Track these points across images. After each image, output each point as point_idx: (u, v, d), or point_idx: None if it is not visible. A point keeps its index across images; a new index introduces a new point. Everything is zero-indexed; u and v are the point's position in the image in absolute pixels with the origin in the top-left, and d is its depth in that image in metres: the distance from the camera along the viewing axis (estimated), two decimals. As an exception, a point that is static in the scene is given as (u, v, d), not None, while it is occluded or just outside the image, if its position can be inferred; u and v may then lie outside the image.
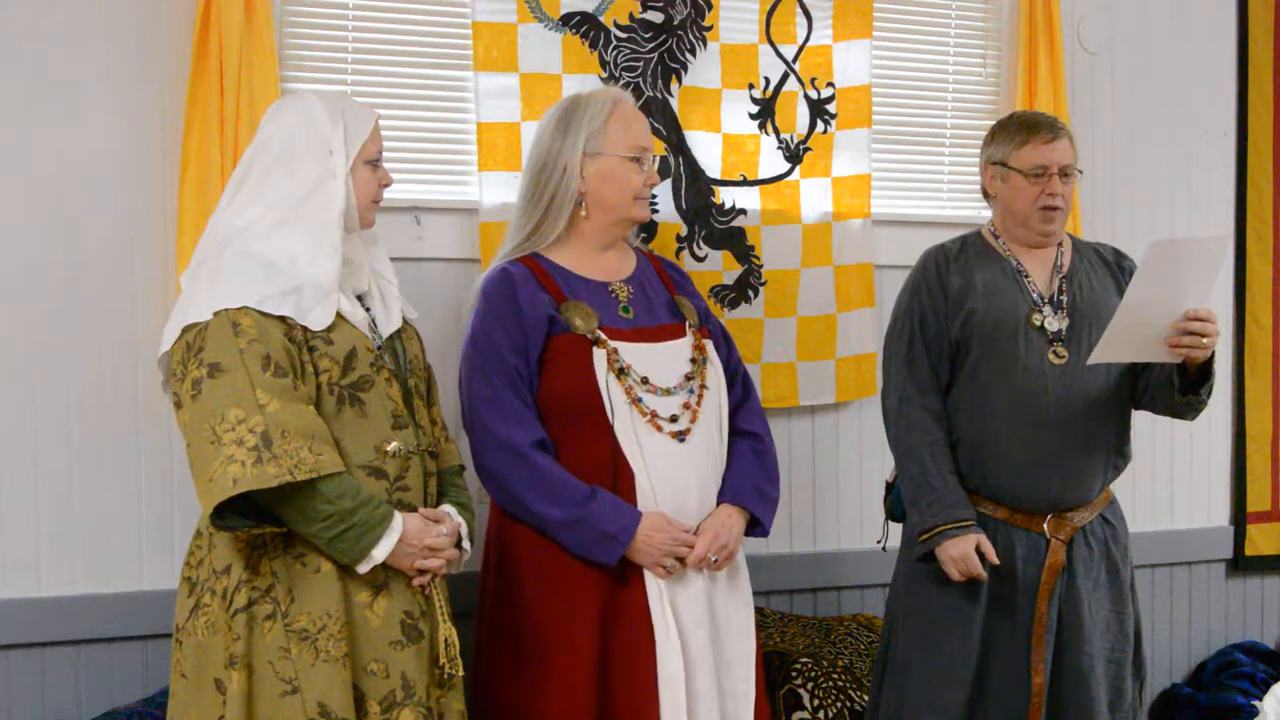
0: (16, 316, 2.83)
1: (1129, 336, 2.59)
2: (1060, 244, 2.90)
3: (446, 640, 2.37)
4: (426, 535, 2.32)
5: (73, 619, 2.86)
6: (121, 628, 2.90)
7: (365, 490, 2.25)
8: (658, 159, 2.80)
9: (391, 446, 2.32)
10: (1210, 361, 2.69)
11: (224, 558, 2.25)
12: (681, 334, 2.70)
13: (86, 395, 2.87)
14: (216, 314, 2.21)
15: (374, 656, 2.28)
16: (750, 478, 2.68)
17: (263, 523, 2.20)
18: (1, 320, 2.82)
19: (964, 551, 2.71)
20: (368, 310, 2.41)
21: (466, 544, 2.44)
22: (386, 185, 2.47)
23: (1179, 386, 2.72)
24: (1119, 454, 2.86)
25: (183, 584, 2.34)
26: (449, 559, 2.37)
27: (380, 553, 2.25)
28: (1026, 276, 2.84)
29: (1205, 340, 2.59)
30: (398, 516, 2.28)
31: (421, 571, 2.33)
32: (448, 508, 2.44)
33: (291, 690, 2.21)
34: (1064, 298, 2.82)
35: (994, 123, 2.98)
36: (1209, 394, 2.75)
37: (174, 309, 2.33)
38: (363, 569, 2.26)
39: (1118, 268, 2.92)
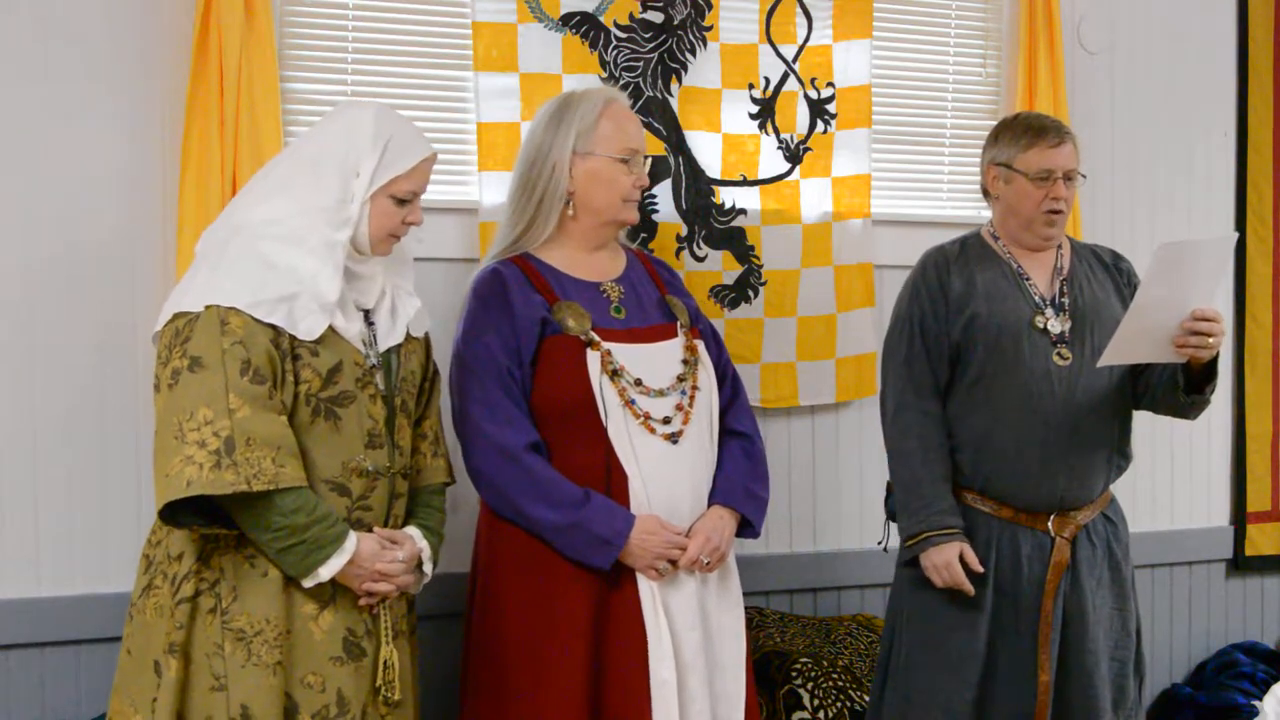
0: (16, 316, 2.83)
1: (1138, 338, 2.60)
2: (1059, 246, 2.90)
3: (386, 662, 2.34)
4: (380, 559, 2.30)
5: (73, 619, 2.86)
6: (121, 628, 2.88)
7: (323, 507, 2.23)
8: (650, 160, 2.78)
9: (360, 464, 2.31)
10: (1215, 360, 2.69)
11: (179, 544, 2.26)
12: (673, 334, 2.69)
13: (86, 395, 2.87)
14: (208, 308, 2.20)
15: (312, 669, 2.26)
16: (741, 479, 2.67)
17: (214, 524, 2.20)
18: (1, 320, 2.82)
19: (947, 559, 2.72)
20: (371, 325, 2.38)
21: (428, 568, 2.42)
22: (413, 224, 2.40)
23: (1184, 386, 2.72)
24: (1121, 454, 2.87)
25: (141, 559, 2.34)
26: (401, 585, 2.35)
27: (327, 571, 2.24)
28: (1028, 279, 2.84)
29: (1211, 340, 2.59)
30: (352, 537, 2.26)
31: (371, 593, 2.32)
32: (411, 530, 2.41)
33: (219, 687, 2.20)
34: (1065, 300, 2.82)
35: (997, 123, 2.97)
36: (1212, 392, 2.76)
37: (175, 287, 2.33)
38: (307, 584, 2.25)
39: (1115, 269, 2.92)
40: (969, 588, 2.72)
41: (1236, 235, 3.55)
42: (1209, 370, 2.70)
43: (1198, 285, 2.59)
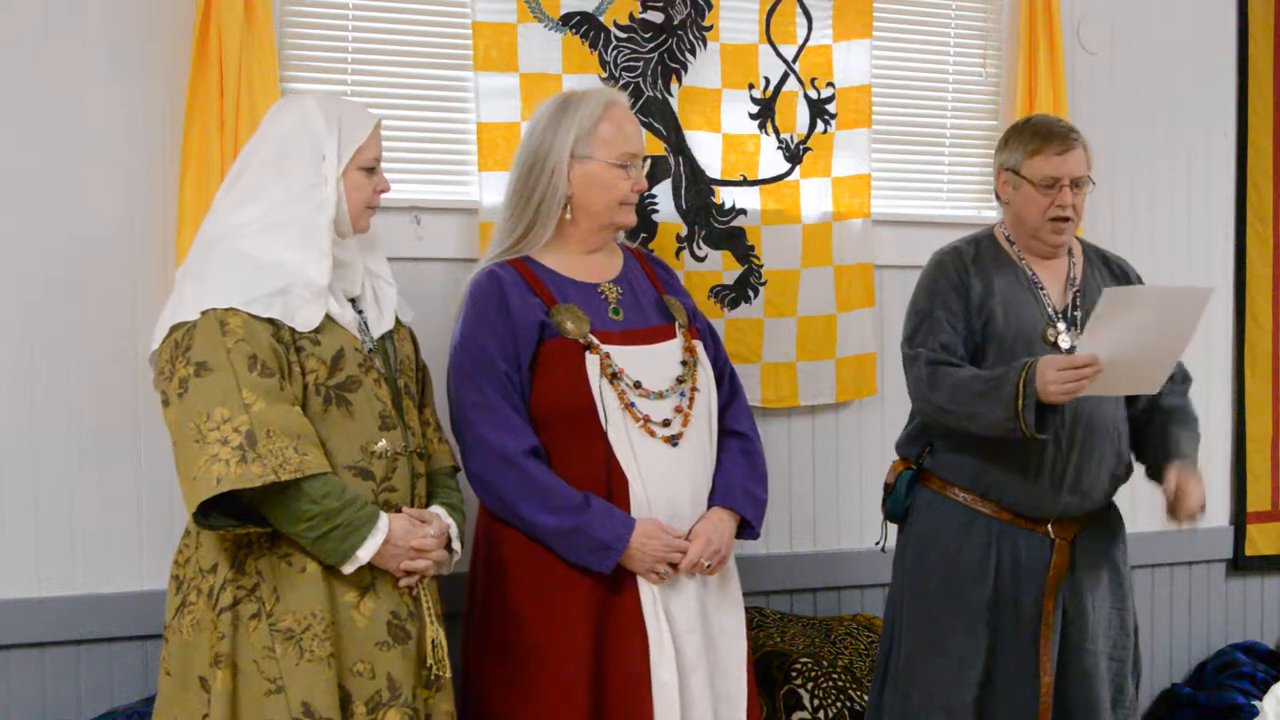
0: (17, 315, 2.83)
1: (1105, 372, 2.54)
2: (1071, 253, 2.87)
3: (434, 641, 2.36)
4: (413, 536, 2.31)
5: (73, 619, 2.86)
6: (121, 628, 2.90)
7: (351, 491, 2.25)
8: (650, 161, 2.77)
9: (379, 447, 2.32)
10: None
11: (210, 556, 2.26)
12: (671, 335, 2.67)
13: (86, 395, 2.87)
14: (204, 313, 2.21)
15: (360, 657, 2.27)
16: (740, 480, 2.66)
17: (247, 523, 2.20)
18: (1, 319, 2.82)
19: (1054, 365, 2.55)
20: (360, 313, 2.40)
21: (456, 545, 2.43)
22: (383, 191, 2.45)
23: (1146, 471, 2.87)
24: (1125, 467, 2.87)
25: (171, 581, 2.34)
26: (437, 561, 2.37)
27: (365, 553, 2.24)
28: (1042, 289, 2.81)
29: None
30: (383, 517, 2.27)
31: (409, 572, 2.33)
32: (437, 509, 2.43)
33: (276, 689, 2.20)
34: (1077, 314, 2.79)
35: (1009, 125, 2.93)
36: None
37: (165, 307, 2.33)
38: (347, 569, 2.25)
39: (1124, 277, 2.90)
40: (1094, 363, 2.53)
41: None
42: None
43: (1166, 330, 2.55)
